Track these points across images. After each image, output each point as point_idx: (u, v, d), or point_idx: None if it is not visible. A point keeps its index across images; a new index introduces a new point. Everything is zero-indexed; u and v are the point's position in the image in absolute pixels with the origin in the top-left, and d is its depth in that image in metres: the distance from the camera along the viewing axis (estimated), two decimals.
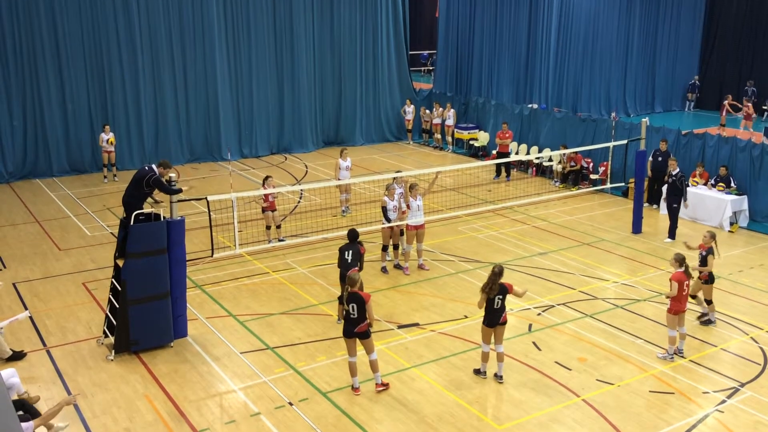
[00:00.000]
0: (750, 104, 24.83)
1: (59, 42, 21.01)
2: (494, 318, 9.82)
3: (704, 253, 11.67)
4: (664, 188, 17.66)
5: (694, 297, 11.87)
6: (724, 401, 9.63)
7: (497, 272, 9.74)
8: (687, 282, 10.53)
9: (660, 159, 18.06)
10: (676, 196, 16.11)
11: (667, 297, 10.53)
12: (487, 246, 15.62)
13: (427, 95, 28.17)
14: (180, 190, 10.84)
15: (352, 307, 9.35)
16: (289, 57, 24.76)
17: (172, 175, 11.01)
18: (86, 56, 21.50)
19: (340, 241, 14.23)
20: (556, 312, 12.32)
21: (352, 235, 11.69)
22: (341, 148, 18.34)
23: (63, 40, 21.05)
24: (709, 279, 11.67)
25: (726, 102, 25.36)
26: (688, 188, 16.56)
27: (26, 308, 12.18)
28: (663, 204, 17.71)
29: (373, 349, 9.66)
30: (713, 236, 11.74)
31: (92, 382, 10.00)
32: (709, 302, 11.86)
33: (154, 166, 11.07)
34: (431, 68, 37.06)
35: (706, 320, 11.92)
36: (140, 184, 10.85)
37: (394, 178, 14.54)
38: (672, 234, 16.25)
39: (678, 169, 16.27)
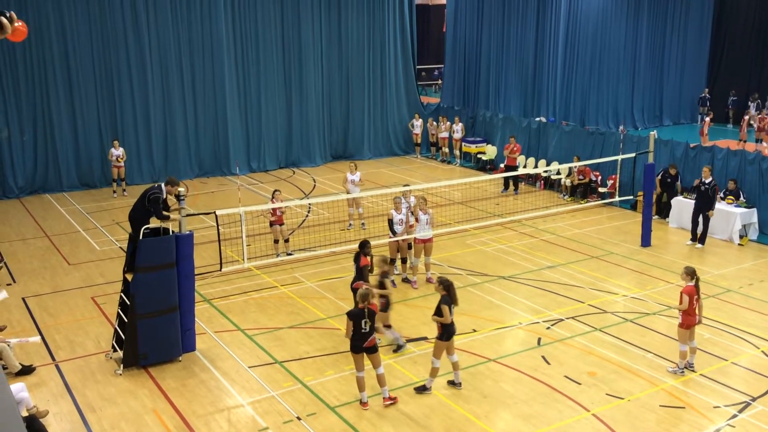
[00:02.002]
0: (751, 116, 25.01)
1: (69, 58, 21.21)
2: (454, 330, 9.92)
3: (381, 278, 11.05)
4: (673, 200, 17.63)
5: (385, 326, 11.22)
6: (735, 416, 9.55)
7: (451, 283, 9.85)
8: (697, 296, 10.47)
9: (669, 181, 18.17)
10: (708, 203, 16.35)
11: (680, 311, 10.47)
12: (495, 259, 15.59)
13: (434, 109, 28.24)
14: (167, 217, 10.78)
15: (364, 322, 9.35)
16: (297, 71, 24.90)
17: (181, 189, 11.06)
18: (96, 72, 21.68)
19: (348, 254, 14.25)
20: (565, 326, 12.27)
21: (359, 246, 11.65)
22: (349, 162, 18.40)
23: (73, 55, 21.25)
24: (386, 306, 11.00)
25: (747, 117, 25.37)
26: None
27: (37, 327, 12.22)
28: (675, 213, 17.83)
29: (380, 363, 9.64)
30: (386, 260, 11.13)
31: (101, 397, 10.01)
32: (388, 326, 11.22)
33: (162, 185, 11.06)
34: (438, 82, 37.16)
35: (396, 347, 11.27)
36: (144, 200, 10.88)
37: (402, 192, 14.55)
38: (702, 239, 16.56)
39: (711, 178, 16.52)
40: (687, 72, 30.77)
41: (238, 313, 12.81)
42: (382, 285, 11.00)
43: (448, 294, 9.77)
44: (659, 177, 18.23)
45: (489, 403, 9.82)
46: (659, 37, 29.51)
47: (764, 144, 23.82)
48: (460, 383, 10.15)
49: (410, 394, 10.02)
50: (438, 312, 9.73)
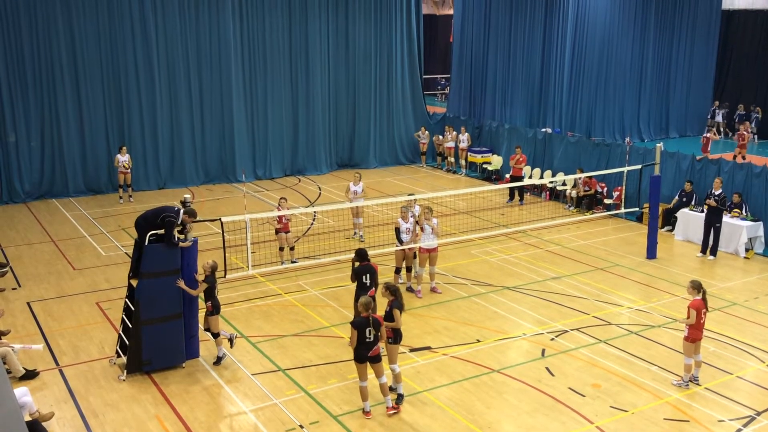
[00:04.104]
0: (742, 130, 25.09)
1: (77, 64, 21.32)
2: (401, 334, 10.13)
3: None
4: (678, 213, 17.56)
5: (208, 329, 11.01)
6: (740, 430, 9.50)
7: (398, 288, 10.00)
8: (704, 310, 10.43)
9: (684, 200, 18.18)
10: (718, 215, 16.41)
11: (686, 324, 10.41)
12: (500, 270, 15.56)
13: (440, 119, 28.27)
14: (177, 245, 10.60)
15: (369, 331, 9.35)
16: (304, 80, 24.97)
17: (187, 196, 11.06)
18: (104, 78, 21.78)
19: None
20: (569, 337, 12.23)
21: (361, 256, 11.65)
22: (354, 172, 18.41)
23: (81, 62, 21.35)
24: (213, 310, 10.89)
25: (742, 129, 25.34)
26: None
27: (42, 332, 12.24)
28: (681, 225, 17.87)
29: (383, 373, 9.63)
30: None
31: (104, 402, 10.01)
32: (215, 335, 11.02)
33: (181, 210, 10.86)
34: (445, 91, 37.21)
35: (217, 360, 11.14)
36: (157, 216, 10.72)
37: (407, 201, 14.55)
38: (714, 251, 16.59)
39: (721, 189, 16.60)
40: (694, 84, 30.75)
41: (242, 320, 12.81)
42: (210, 293, 10.88)
43: (396, 299, 9.85)
44: (677, 197, 18.44)
45: (492, 414, 9.79)
46: (666, 49, 29.52)
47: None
48: (402, 394, 10.04)
49: (413, 403, 10.00)
50: (389, 317, 9.79)
